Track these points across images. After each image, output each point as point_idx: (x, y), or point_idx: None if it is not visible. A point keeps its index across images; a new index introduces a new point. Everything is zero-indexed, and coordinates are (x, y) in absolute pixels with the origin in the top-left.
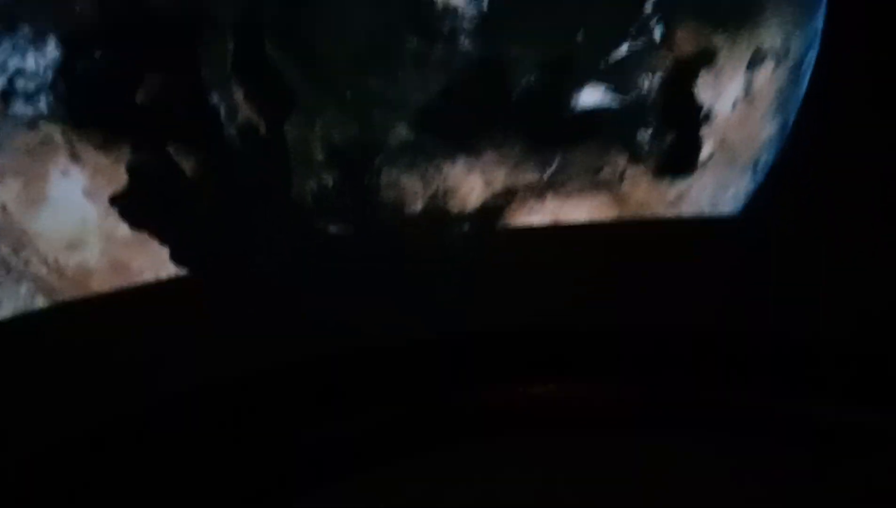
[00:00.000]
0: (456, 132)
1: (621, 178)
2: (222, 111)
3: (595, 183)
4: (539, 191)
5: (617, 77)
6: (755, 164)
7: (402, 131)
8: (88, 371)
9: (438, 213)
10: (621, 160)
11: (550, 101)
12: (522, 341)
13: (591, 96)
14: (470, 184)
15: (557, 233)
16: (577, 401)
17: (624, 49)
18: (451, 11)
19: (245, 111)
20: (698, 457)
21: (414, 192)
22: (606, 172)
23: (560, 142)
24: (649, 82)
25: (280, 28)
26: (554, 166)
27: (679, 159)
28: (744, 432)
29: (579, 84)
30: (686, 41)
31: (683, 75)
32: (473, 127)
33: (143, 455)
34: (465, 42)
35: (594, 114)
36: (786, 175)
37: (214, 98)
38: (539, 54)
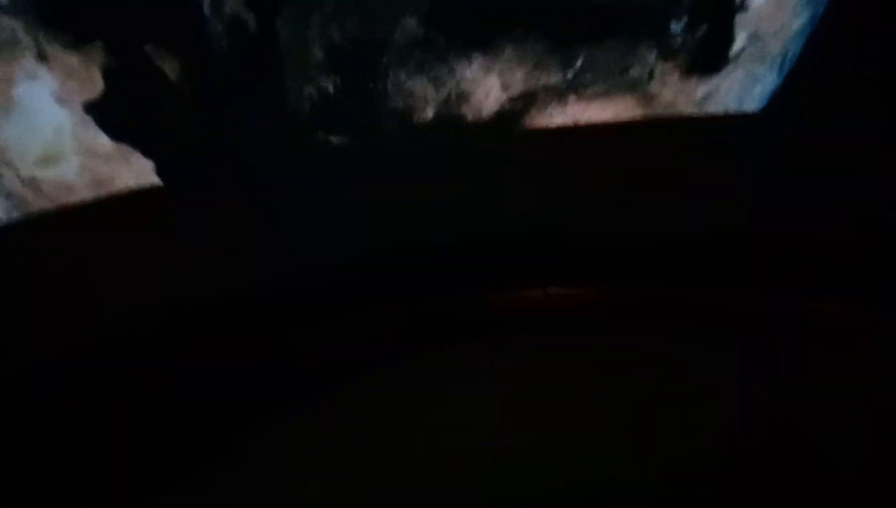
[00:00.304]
0: (471, 27)
1: (650, 76)
2: (206, 4)
3: (621, 83)
4: (561, 93)
5: None
6: (783, 58)
7: (410, 26)
8: (82, 283)
9: (451, 120)
10: (650, 56)
11: None
12: (532, 244)
13: None
14: (486, 88)
15: (571, 133)
16: (573, 301)
17: None
18: None
19: (232, 4)
20: (695, 354)
21: (424, 97)
22: (634, 71)
23: (585, 37)
24: None
25: None
26: (578, 65)
27: (711, 54)
28: (740, 329)
29: None
30: None
31: None
32: (490, 21)
33: (134, 365)
34: None
35: (622, 3)
36: (812, 70)
37: None
38: None
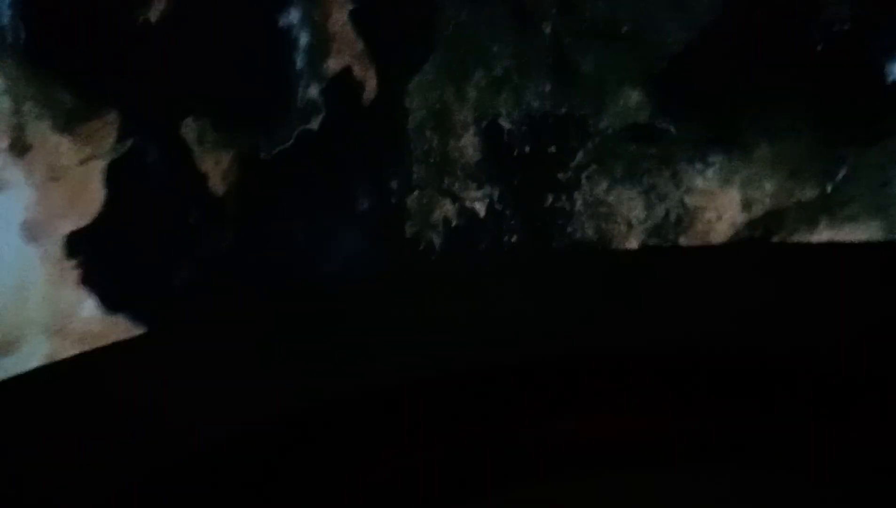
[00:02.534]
0: (714, 111)
1: None
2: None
3: (875, 202)
4: (813, 215)
5: None
6: None
7: (628, 102)
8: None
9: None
10: None
11: (860, 59)
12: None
13: None
14: (721, 204)
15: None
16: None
17: None
18: None
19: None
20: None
21: (628, 217)
22: (892, 186)
23: (856, 136)
24: None
25: None
26: (840, 176)
27: None
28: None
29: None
30: None
31: None
32: (742, 105)
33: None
34: None
35: None
36: None
37: None
38: None
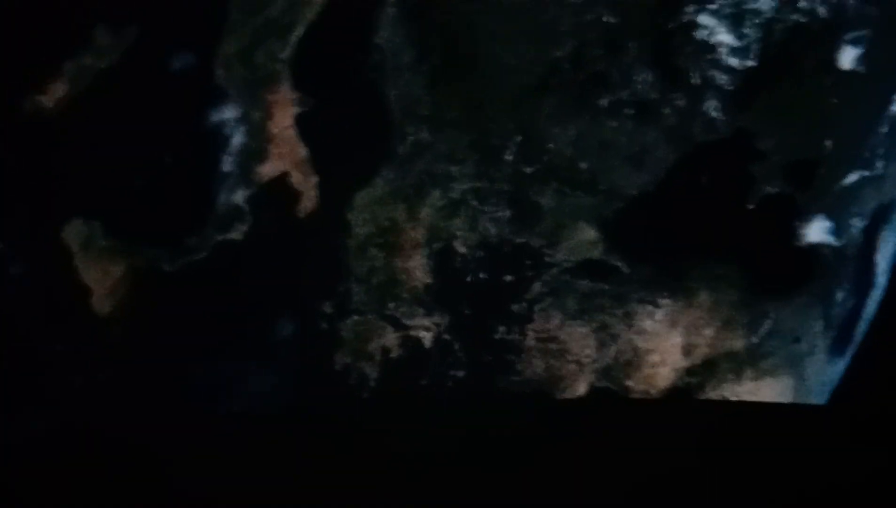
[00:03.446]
0: (665, 253)
1: (811, 352)
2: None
3: (788, 357)
4: (739, 366)
5: (839, 210)
6: None
7: (582, 237)
8: None
9: (606, 397)
10: (817, 326)
11: (786, 221)
12: None
13: (818, 229)
14: (665, 348)
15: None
16: None
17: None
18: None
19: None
20: None
21: (578, 356)
22: (803, 344)
23: (784, 285)
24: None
25: None
26: (764, 329)
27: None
28: None
29: (812, 208)
30: None
31: None
32: (689, 245)
33: None
34: (712, 109)
35: (817, 254)
36: None
37: None
38: (788, 152)
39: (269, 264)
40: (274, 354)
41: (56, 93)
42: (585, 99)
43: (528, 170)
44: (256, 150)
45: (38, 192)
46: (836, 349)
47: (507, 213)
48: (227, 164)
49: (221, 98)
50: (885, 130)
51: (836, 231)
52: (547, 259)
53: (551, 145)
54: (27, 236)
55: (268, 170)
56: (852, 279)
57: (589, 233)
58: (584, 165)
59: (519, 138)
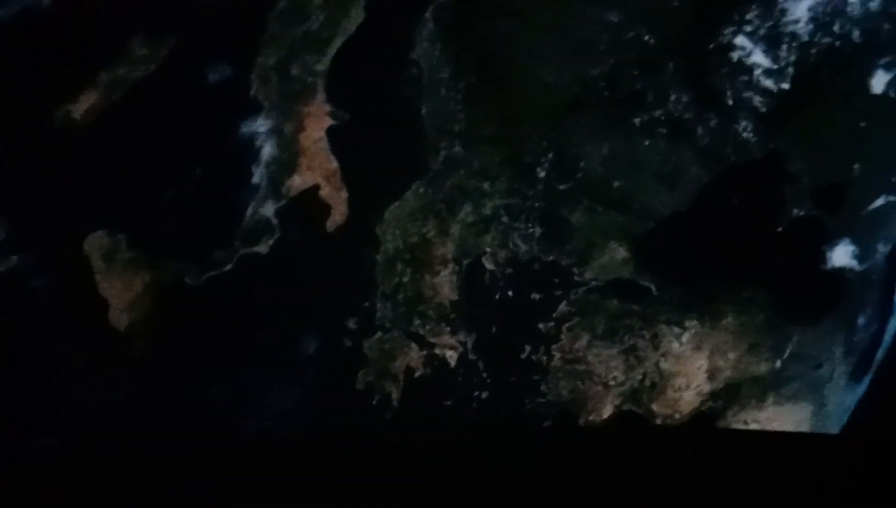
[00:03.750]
0: (695, 272)
1: (830, 377)
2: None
3: (810, 383)
4: (763, 392)
5: (864, 234)
6: None
7: (614, 257)
8: None
9: (631, 421)
10: (838, 352)
11: (814, 245)
12: None
13: (843, 252)
14: (691, 371)
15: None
16: None
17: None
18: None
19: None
20: None
21: (605, 378)
22: (825, 369)
23: (809, 309)
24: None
25: None
26: (787, 352)
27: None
28: None
29: (839, 232)
30: None
31: None
32: (718, 267)
33: None
34: (745, 130)
35: (841, 278)
36: None
37: None
38: (818, 175)
39: (295, 279)
40: (296, 371)
41: (87, 102)
42: (620, 117)
43: (561, 187)
44: (287, 162)
45: (61, 202)
46: (855, 375)
47: (538, 230)
48: (258, 176)
49: (255, 110)
50: None
51: (860, 255)
52: (576, 278)
53: (583, 163)
54: (48, 248)
55: (298, 183)
56: (874, 305)
57: (620, 252)
58: (616, 184)
59: (551, 155)
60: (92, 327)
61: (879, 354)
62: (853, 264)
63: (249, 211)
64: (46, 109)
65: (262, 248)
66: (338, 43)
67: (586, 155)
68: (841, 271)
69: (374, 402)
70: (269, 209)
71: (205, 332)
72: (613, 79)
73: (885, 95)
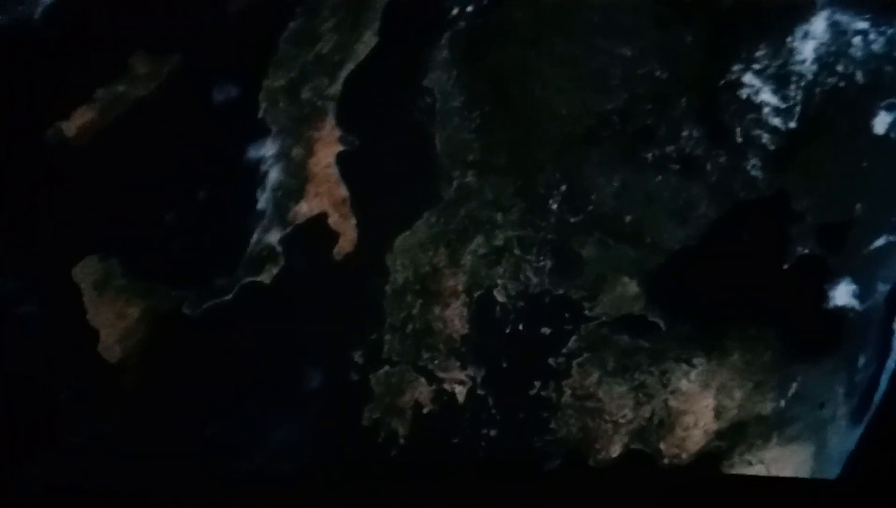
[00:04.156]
0: (704, 308)
1: (833, 418)
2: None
3: (813, 423)
4: (767, 431)
5: (865, 274)
6: None
7: (626, 292)
8: None
9: (639, 460)
10: (840, 392)
11: (817, 283)
12: None
13: (845, 292)
14: (699, 409)
15: None
16: None
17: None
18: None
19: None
20: None
21: (614, 416)
22: (827, 410)
23: (812, 348)
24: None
25: None
26: (791, 392)
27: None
28: None
29: (841, 271)
30: None
31: None
32: (726, 304)
33: None
34: (753, 167)
35: (842, 317)
36: None
37: None
38: (822, 213)
39: (300, 310)
40: (299, 406)
41: (81, 120)
42: (632, 151)
43: (573, 220)
44: (294, 188)
45: (49, 225)
46: (855, 417)
47: (550, 263)
48: (263, 201)
49: (262, 133)
50: None
51: (861, 295)
52: (586, 313)
53: (595, 196)
54: (34, 274)
55: (305, 209)
56: (874, 345)
57: (631, 287)
58: (628, 218)
59: (564, 188)
60: (81, 359)
61: (877, 396)
62: (854, 303)
63: (254, 238)
64: (36, 127)
65: (266, 277)
66: (350, 67)
67: (598, 188)
68: (842, 311)
69: (379, 439)
70: (274, 237)
71: (203, 364)
72: (626, 112)
73: (886, 136)
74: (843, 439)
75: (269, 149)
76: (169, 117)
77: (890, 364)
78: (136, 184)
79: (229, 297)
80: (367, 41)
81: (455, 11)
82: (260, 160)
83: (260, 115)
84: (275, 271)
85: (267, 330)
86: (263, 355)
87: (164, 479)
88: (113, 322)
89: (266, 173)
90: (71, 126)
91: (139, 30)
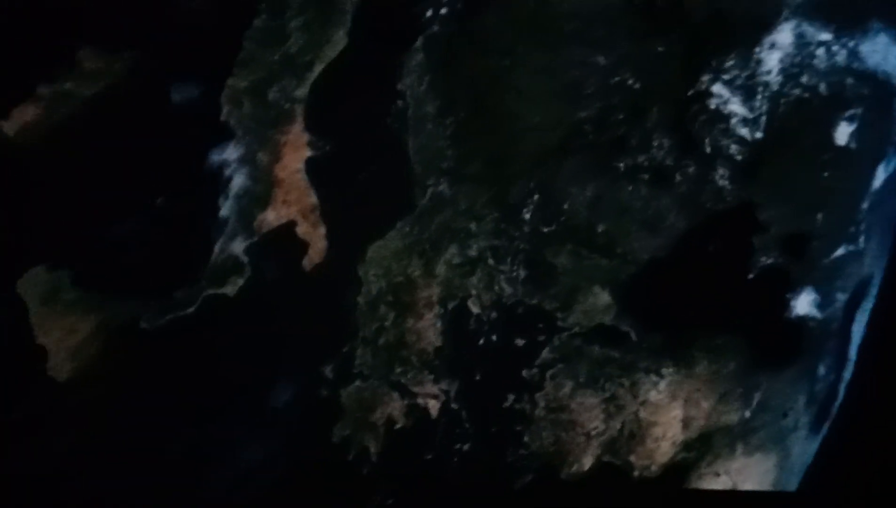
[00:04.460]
0: (671, 321)
1: (794, 427)
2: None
3: (777, 433)
4: (733, 441)
5: (826, 284)
6: None
7: (597, 302)
8: None
9: (610, 472)
10: (801, 401)
11: (780, 293)
12: None
13: (806, 301)
14: (668, 420)
15: None
16: None
17: (841, 251)
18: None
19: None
20: None
21: (586, 428)
22: (790, 419)
23: (775, 357)
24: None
25: None
26: (756, 401)
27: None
28: None
29: (803, 281)
30: None
31: None
32: (695, 313)
33: None
34: (721, 177)
35: (804, 326)
36: None
37: None
38: (785, 224)
39: (267, 323)
40: (267, 424)
41: (21, 118)
42: (605, 161)
43: (546, 230)
44: (260, 195)
45: None
46: (815, 426)
47: (523, 273)
48: (227, 209)
49: (225, 136)
50: (866, 206)
51: (821, 304)
52: (559, 323)
53: (568, 206)
54: None
55: (272, 218)
56: (833, 354)
57: (603, 297)
58: (601, 228)
59: (537, 197)
60: (28, 378)
61: (834, 407)
62: (815, 312)
63: (217, 248)
64: None
65: (231, 289)
66: (319, 68)
67: (571, 197)
68: (803, 320)
69: (350, 456)
70: (238, 246)
71: (162, 383)
72: (599, 122)
73: (846, 147)
74: (804, 448)
75: (232, 153)
76: (123, 118)
77: (846, 374)
78: (86, 188)
79: (191, 310)
80: (338, 41)
81: (429, 14)
82: (223, 165)
83: (223, 117)
84: (240, 282)
85: (232, 345)
86: (228, 371)
87: (120, 505)
88: (62, 339)
89: (230, 179)
90: (11, 125)
91: (89, 21)
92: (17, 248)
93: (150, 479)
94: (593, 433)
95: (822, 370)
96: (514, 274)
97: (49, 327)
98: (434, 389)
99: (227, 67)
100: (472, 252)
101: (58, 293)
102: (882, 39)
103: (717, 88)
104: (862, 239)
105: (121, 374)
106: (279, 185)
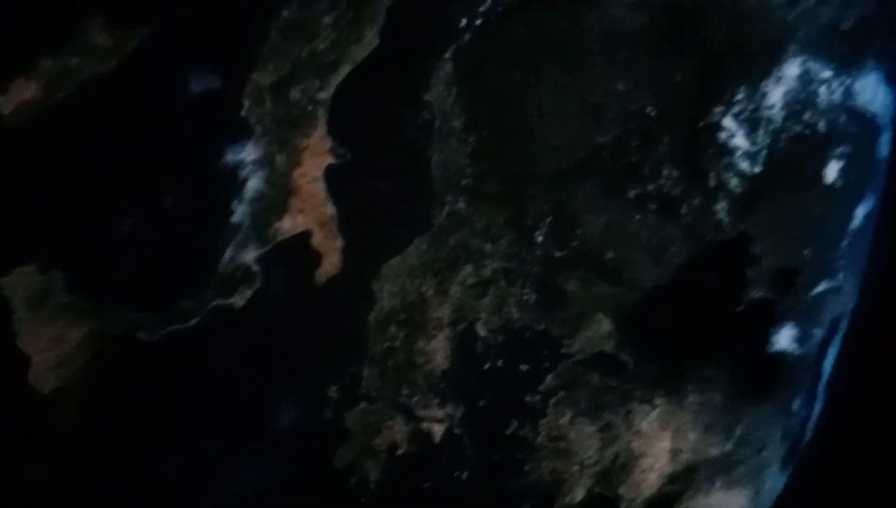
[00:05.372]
0: (669, 348)
1: (768, 463)
2: None
3: (754, 466)
4: (712, 474)
5: (806, 319)
6: None
7: (601, 331)
8: None
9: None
10: (777, 435)
11: (766, 327)
12: None
13: (787, 336)
14: (656, 452)
15: None
16: None
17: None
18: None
19: None
20: None
21: (580, 458)
22: (766, 452)
23: (756, 391)
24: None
25: None
26: (737, 434)
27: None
28: None
29: (787, 315)
30: None
31: None
32: (689, 344)
33: None
34: (721, 209)
35: (784, 361)
36: None
37: None
38: (775, 258)
39: (274, 338)
40: (268, 446)
41: (19, 95)
42: (618, 188)
43: (558, 254)
44: (276, 201)
45: None
46: (785, 461)
47: (534, 297)
48: (239, 214)
49: (243, 134)
50: (846, 243)
51: (800, 339)
52: (563, 350)
53: (580, 231)
54: None
55: (286, 226)
56: (806, 389)
57: (605, 325)
58: (609, 255)
59: (550, 220)
60: (7, 388)
61: (804, 442)
62: (794, 347)
63: (226, 255)
64: None
65: (239, 299)
66: (346, 70)
67: (584, 223)
68: (782, 355)
69: (351, 483)
70: (250, 255)
71: (159, 398)
72: (616, 148)
73: (833, 185)
74: (775, 483)
75: (249, 153)
76: (131, 104)
77: (815, 412)
78: (87, 181)
79: (195, 321)
80: (368, 43)
81: (463, 23)
82: (238, 165)
83: (242, 112)
84: (249, 293)
85: (235, 361)
86: (231, 387)
87: None
88: (48, 346)
89: (244, 181)
90: (7, 101)
91: None
92: (6, 242)
93: (141, 504)
94: (587, 462)
95: (796, 404)
96: (525, 298)
97: (34, 332)
98: (439, 413)
99: (252, 59)
100: (487, 273)
101: (48, 297)
102: (872, 78)
103: (727, 121)
104: (841, 275)
105: (113, 389)
106: (296, 192)
